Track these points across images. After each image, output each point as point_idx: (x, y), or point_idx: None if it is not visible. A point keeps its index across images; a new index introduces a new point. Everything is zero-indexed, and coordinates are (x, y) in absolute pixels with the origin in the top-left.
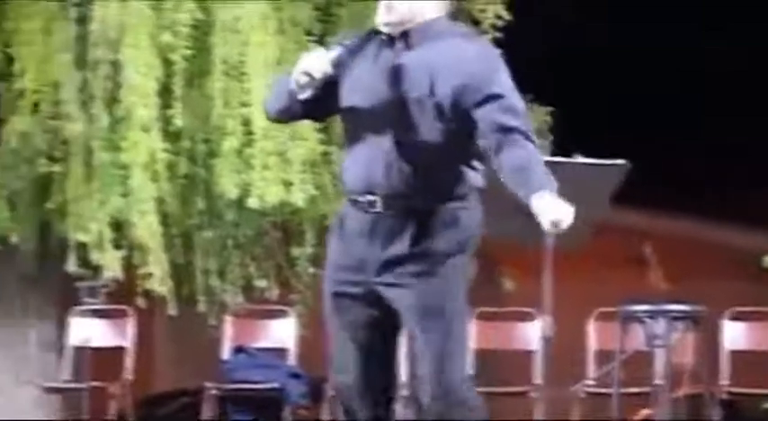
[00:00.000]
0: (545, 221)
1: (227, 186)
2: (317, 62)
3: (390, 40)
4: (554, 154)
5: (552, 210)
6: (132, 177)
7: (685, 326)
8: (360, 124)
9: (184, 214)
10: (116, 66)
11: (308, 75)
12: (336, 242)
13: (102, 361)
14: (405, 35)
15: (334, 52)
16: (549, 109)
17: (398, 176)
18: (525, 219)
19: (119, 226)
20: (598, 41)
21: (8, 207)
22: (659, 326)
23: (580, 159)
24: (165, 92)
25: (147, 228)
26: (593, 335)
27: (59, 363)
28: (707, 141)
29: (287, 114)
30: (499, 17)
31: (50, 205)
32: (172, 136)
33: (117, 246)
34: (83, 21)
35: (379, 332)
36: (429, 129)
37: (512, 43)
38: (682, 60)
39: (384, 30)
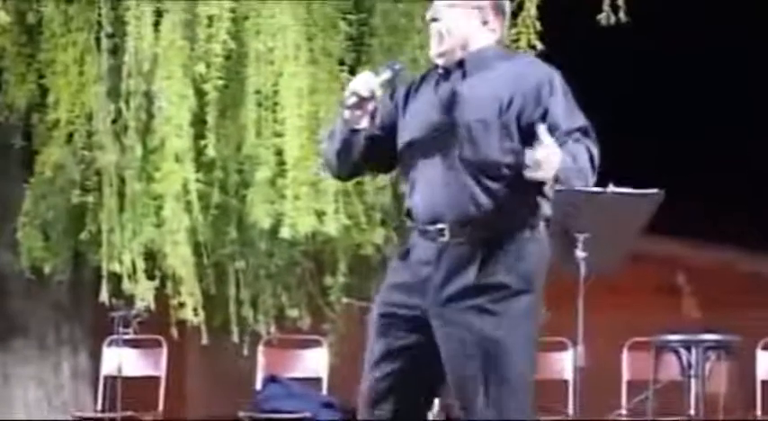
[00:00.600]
0: (531, 157)
1: (260, 216)
2: (365, 81)
3: (446, 73)
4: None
5: (547, 153)
6: (165, 207)
7: (719, 356)
8: (421, 156)
9: (217, 244)
10: (149, 96)
11: (356, 94)
12: (398, 266)
13: (135, 390)
14: (460, 64)
15: (384, 75)
16: None
17: (466, 202)
18: (561, 245)
19: (152, 256)
20: (630, 71)
21: (42, 237)
22: (693, 356)
23: (614, 189)
24: (199, 122)
25: (179, 258)
26: (627, 364)
27: (92, 393)
28: (741, 170)
29: (347, 158)
30: (532, 46)
31: (84, 235)
32: (205, 166)
33: (150, 277)
34: (116, 52)
35: (422, 361)
36: (496, 152)
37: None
38: (721, 89)
39: (438, 61)
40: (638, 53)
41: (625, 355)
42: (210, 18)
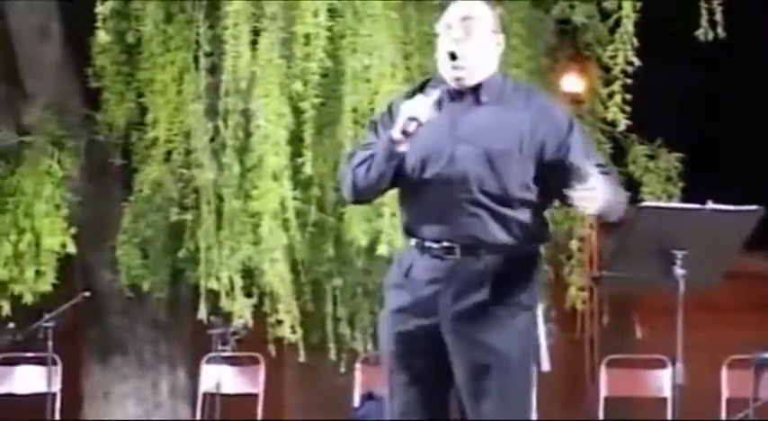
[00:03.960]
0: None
1: (357, 234)
2: (421, 105)
3: (457, 93)
4: (685, 201)
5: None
6: (263, 225)
7: None
8: (430, 178)
9: (314, 262)
10: (247, 115)
11: (415, 119)
12: (400, 291)
13: (233, 408)
14: (474, 90)
15: (435, 95)
16: (679, 155)
17: (480, 228)
18: (659, 262)
19: (249, 273)
20: (728, 84)
21: (140, 255)
22: None
23: (713, 205)
24: (296, 140)
25: (277, 275)
26: (726, 382)
27: (191, 410)
28: None
29: (381, 183)
30: (630, 63)
31: (182, 253)
32: (302, 184)
33: (247, 294)
34: (214, 71)
35: (444, 380)
36: (514, 183)
37: (643, 89)
38: None
39: (453, 84)
40: (735, 67)
41: (724, 373)
42: (307, 37)
